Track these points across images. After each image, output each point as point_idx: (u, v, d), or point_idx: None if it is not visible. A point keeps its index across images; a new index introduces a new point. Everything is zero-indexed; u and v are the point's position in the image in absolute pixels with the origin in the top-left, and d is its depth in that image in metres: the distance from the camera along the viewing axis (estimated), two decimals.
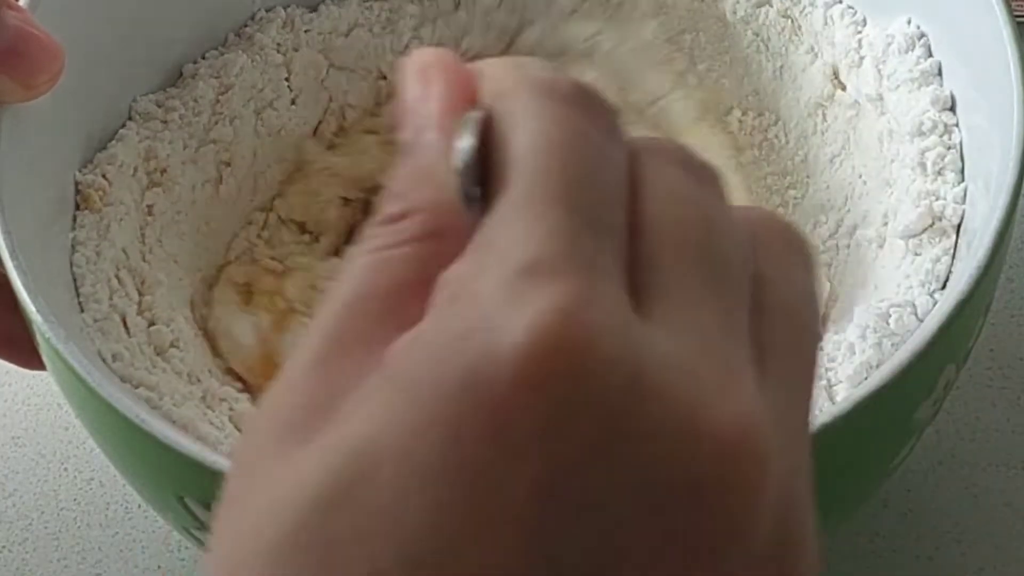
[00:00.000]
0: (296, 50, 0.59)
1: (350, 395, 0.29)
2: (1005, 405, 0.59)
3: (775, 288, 0.31)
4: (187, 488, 0.46)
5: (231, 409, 0.51)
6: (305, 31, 0.60)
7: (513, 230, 0.29)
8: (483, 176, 0.31)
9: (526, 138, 0.30)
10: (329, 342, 0.30)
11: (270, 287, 0.57)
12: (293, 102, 0.59)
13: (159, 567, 0.57)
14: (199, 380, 0.51)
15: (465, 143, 0.31)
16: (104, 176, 0.54)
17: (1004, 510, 0.56)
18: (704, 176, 0.32)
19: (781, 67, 0.59)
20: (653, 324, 0.29)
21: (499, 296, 0.28)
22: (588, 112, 0.31)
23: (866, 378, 0.46)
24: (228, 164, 0.58)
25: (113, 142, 0.55)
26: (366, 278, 0.31)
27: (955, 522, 0.56)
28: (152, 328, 0.52)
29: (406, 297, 0.30)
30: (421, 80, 0.33)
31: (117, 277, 0.52)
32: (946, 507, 0.56)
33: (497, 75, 0.33)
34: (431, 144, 0.32)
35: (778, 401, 0.30)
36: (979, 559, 0.55)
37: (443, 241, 0.31)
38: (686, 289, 0.30)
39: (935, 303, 0.49)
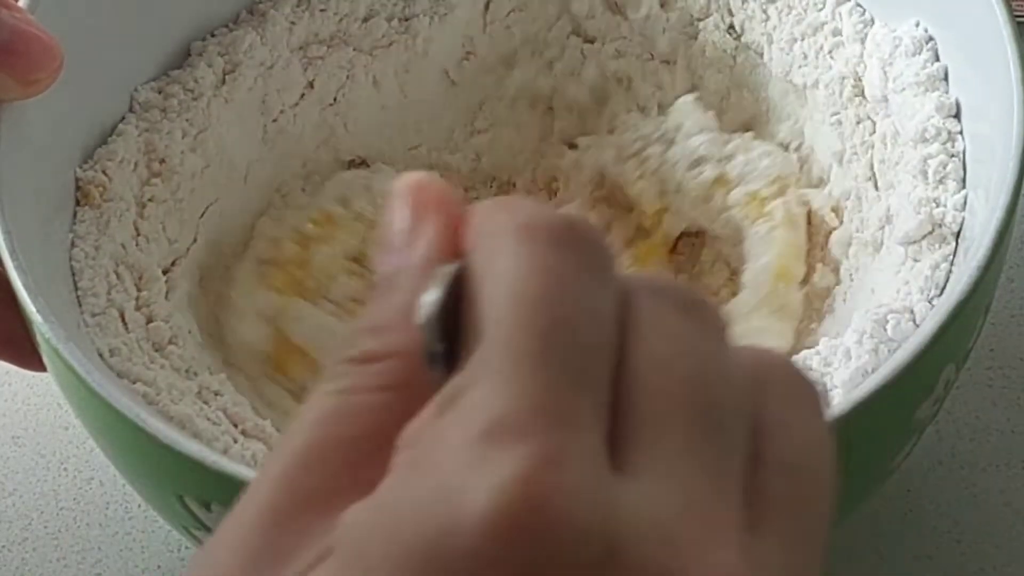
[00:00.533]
0: (309, 29, 0.59)
1: (297, 564, 0.28)
2: (1005, 405, 0.59)
3: (777, 440, 0.30)
4: (187, 488, 0.46)
5: (226, 404, 0.51)
6: (321, 10, 0.60)
7: (480, 389, 0.27)
8: (454, 331, 0.29)
9: (500, 288, 0.28)
10: (280, 497, 0.29)
11: (293, 257, 0.57)
12: (311, 85, 0.59)
13: (159, 567, 0.57)
14: (196, 374, 0.51)
15: (430, 297, 0.29)
16: (104, 172, 0.54)
17: (1004, 510, 0.56)
18: (704, 317, 0.30)
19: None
20: (632, 481, 0.27)
21: (462, 461, 0.26)
22: (573, 255, 0.29)
23: (862, 383, 0.46)
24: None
25: (113, 136, 0.55)
26: (328, 425, 0.29)
27: (955, 522, 0.56)
28: (151, 325, 0.52)
29: (367, 451, 0.28)
30: (410, 208, 0.31)
31: (116, 272, 0.52)
32: (946, 507, 0.56)
33: (484, 215, 0.30)
34: (411, 284, 0.30)
35: (772, 563, 0.28)
36: (979, 559, 0.55)
37: (413, 393, 0.29)
38: (671, 441, 0.28)
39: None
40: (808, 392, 0.31)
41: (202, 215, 0.57)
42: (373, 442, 0.28)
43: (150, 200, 0.55)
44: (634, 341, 0.29)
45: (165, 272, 0.54)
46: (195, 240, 0.56)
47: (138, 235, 0.54)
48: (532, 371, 0.27)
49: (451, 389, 0.28)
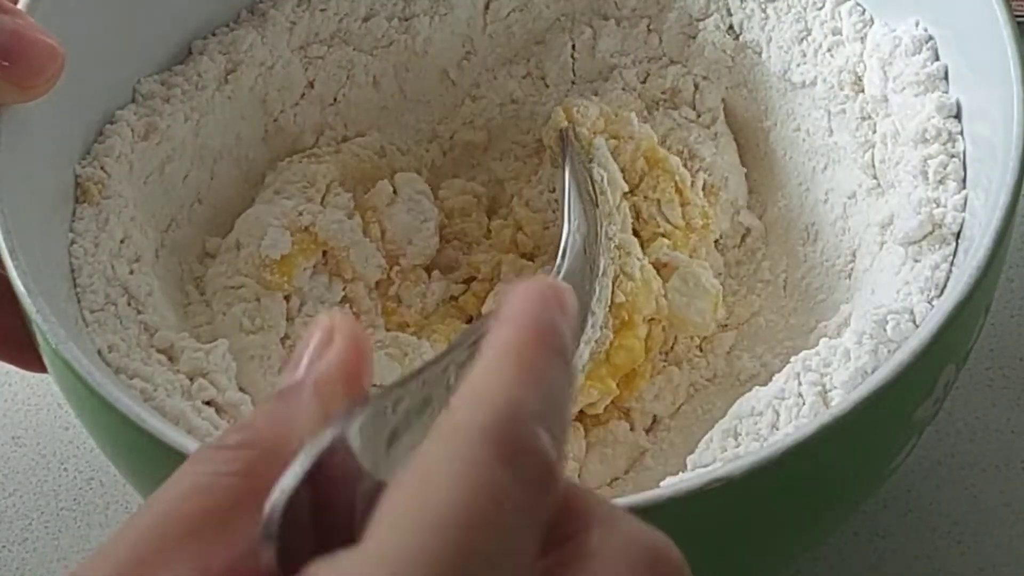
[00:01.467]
0: (310, 29, 0.59)
1: None
2: (1005, 405, 0.59)
3: None
4: None
5: (214, 396, 0.51)
6: (321, 10, 0.60)
7: None
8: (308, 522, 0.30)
9: (430, 501, 0.29)
10: (128, 561, 0.31)
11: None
12: (311, 84, 0.60)
13: None
14: (190, 377, 0.51)
15: (288, 482, 0.30)
16: (103, 168, 0.54)
17: (1004, 510, 0.56)
18: None
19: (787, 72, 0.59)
20: None
21: None
22: (527, 489, 0.29)
23: (862, 384, 0.46)
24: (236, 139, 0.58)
25: (111, 126, 0.55)
26: (186, 497, 0.32)
27: (955, 522, 0.56)
28: (140, 316, 0.52)
29: (211, 527, 0.31)
30: (324, 336, 0.34)
31: (113, 267, 0.52)
32: (946, 507, 0.56)
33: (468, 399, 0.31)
34: (303, 407, 0.33)
35: None
36: (979, 559, 0.55)
37: (260, 482, 0.31)
38: None
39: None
40: None
41: (193, 200, 0.57)
42: (219, 516, 0.31)
43: (146, 184, 0.55)
44: None
45: (155, 252, 0.55)
46: (182, 216, 0.57)
47: (134, 225, 0.54)
48: None
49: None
